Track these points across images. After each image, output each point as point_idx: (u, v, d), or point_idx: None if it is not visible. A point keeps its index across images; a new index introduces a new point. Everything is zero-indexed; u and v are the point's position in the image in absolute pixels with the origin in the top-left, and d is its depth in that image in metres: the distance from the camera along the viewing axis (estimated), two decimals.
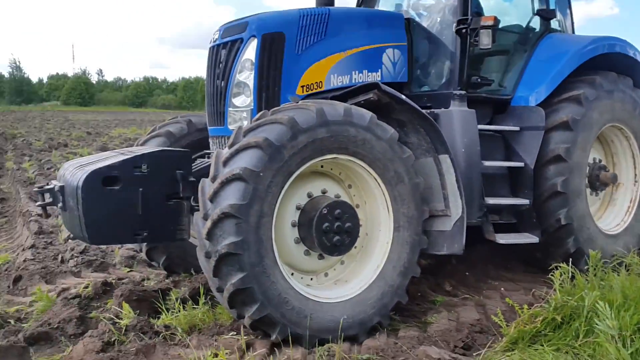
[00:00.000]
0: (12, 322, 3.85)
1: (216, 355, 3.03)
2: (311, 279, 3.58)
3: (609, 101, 4.68)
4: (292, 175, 3.14)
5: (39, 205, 3.61)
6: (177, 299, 3.87)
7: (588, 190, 4.74)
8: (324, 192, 3.50)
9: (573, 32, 5.43)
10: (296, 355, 3.07)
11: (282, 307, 3.09)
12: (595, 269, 3.62)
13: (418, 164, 3.65)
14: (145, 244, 4.49)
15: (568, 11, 5.40)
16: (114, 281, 4.47)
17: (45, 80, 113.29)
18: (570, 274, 3.51)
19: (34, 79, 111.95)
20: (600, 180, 4.83)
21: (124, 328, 3.49)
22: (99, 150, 16.45)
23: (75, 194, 3.16)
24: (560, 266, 3.50)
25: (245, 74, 3.80)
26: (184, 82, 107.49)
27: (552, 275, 3.49)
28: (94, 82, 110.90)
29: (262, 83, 3.79)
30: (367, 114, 3.35)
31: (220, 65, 4.00)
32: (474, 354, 3.21)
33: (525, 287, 4.52)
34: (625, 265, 4.09)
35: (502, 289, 4.28)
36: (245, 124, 3.70)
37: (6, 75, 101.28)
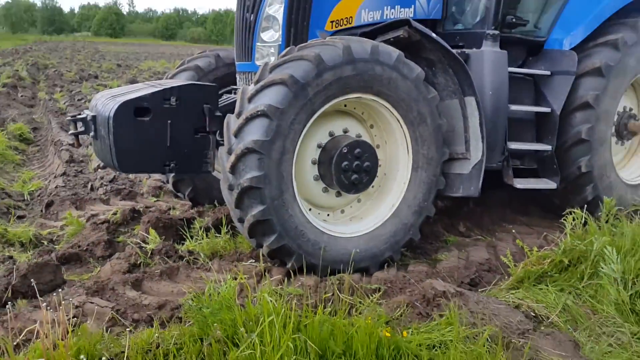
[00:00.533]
0: (45, 242, 4.14)
1: (235, 278, 3.23)
2: (328, 214, 3.70)
3: None
4: (315, 113, 3.18)
5: (71, 134, 3.75)
6: (200, 228, 4.08)
7: (614, 139, 4.65)
8: (345, 131, 3.54)
9: None
10: (309, 282, 3.25)
11: (298, 238, 3.24)
12: (607, 215, 3.64)
13: (443, 105, 3.64)
14: (172, 175, 4.67)
15: None
16: (141, 209, 4.69)
17: (76, 10, 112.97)
18: (583, 219, 3.55)
19: (66, 9, 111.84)
20: (628, 129, 4.71)
21: (150, 252, 3.73)
22: (129, 83, 16.66)
23: (106, 123, 3.28)
24: (574, 212, 3.54)
25: (275, 7, 3.74)
26: (214, 14, 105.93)
27: (564, 220, 3.54)
28: (125, 12, 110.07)
29: (291, 17, 3.73)
30: (395, 52, 3.32)
31: None
32: (479, 290, 3.34)
33: (539, 231, 4.58)
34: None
35: (514, 231, 4.34)
36: (273, 59, 3.72)
37: (39, 4, 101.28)
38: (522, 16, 4.34)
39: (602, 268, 2.98)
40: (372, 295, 3.10)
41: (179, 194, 4.97)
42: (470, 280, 3.55)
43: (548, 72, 4.33)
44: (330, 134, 3.48)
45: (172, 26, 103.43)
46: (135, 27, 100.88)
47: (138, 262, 3.60)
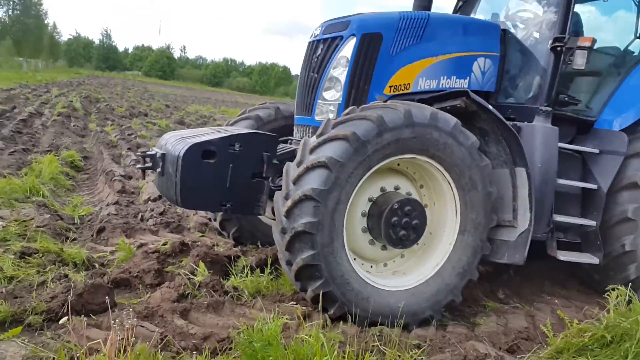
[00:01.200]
0: (97, 266, 4.34)
1: (278, 318, 3.32)
2: (371, 266, 3.81)
3: None
4: (371, 169, 3.36)
5: (139, 168, 4.03)
6: (246, 265, 4.23)
7: None
8: (396, 188, 3.71)
9: None
10: (350, 330, 3.32)
11: (343, 286, 3.35)
12: None
13: (494, 173, 3.78)
14: (220, 214, 4.88)
15: None
16: (190, 242, 4.89)
17: (130, 50, 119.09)
18: (627, 297, 3.55)
19: (121, 48, 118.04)
20: None
21: (198, 284, 3.88)
22: (177, 123, 17.37)
23: (175, 162, 3.54)
24: (618, 288, 3.55)
25: (340, 70, 4.01)
26: (260, 66, 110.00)
27: (608, 295, 3.55)
28: (176, 57, 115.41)
29: (354, 80, 3.99)
30: (452, 120, 3.51)
31: (317, 59, 4.22)
32: (518, 357, 3.34)
33: (577, 305, 4.56)
34: None
35: (556, 301, 4.33)
36: (332, 116, 3.97)
37: (97, 42, 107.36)
38: (574, 95, 4.52)
39: None
40: (412, 351, 3.14)
41: (223, 232, 5.18)
42: (509, 347, 3.56)
43: (597, 151, 4.45)
44: (382, 190, 3.65)
45: (220, 74, 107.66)
46: (184, 72, 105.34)
47: (186, 293, 3.75)
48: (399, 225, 3.49)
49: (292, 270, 3.37)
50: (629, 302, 3.56)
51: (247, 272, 4.08)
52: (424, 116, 3.40)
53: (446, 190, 3.67)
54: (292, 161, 3.54)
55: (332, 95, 4.08)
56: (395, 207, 3.48)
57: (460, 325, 3.79)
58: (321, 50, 4.20)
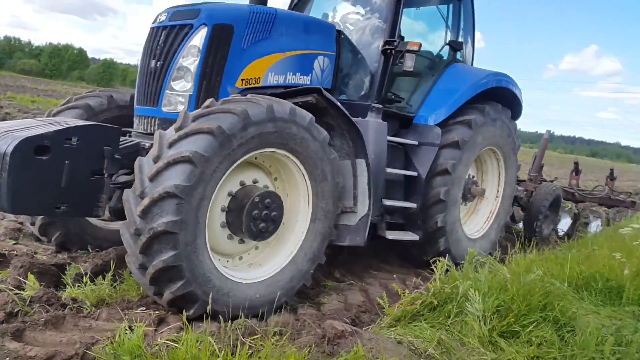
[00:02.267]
0: None
1: (130, 328, 3.13)
2: (227, 261, 3.81)
3: (492, 128, 5.57)
4: (234, 163, 3.34)
5: None
6: (82, 274, 3.85)
7: (460, 200, 5.57)
8: (255, 181, 3.75)
9: (472, 61, 6.28)
10: (211, 328, 3.29)
11: (205, 285, 3.28)
12: (470, 263, 4.31)
13: (339, 165, 4.05)
14: (40, 217, 4.35)
15: (470, 42, 6.18)
16: (6, 252, 4.25)
17: None
18: (445, 267, 4.16)
19: None
20: (471, 193, 5.69)
21: (29, 299, 3.41)
22: None
23: (1, 160, 3.04)
24: (439, 260, 4.14)
25: (190, 60, 3.88)
26: (52, 47, 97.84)
27: (434, 266, 4.12)
28: None
29: (206, 71, 3.90)
30: (308, 115, 3.68)
31: (162, 47, 4.01)
32: (364, 329, 3.70)
33: (400, 277, 5.19)
34: (482, 264, 4.91)
35: (395, 276, 4.83)
36: (182, 108, 3.81)
37: None
38: (398, 94, 5.10)
39: (467, 307, 3.56)
40: (274, 338, 3.25)
41: (42, 238, 4.61)
42: (351, 320, 3.91)
43: (416, 143, 5.11)
44: (241, 183, 3.66)
45: (1, 55, 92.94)
46: None
47: (15, 311, 3.26)
48: (260, 218, 3.56)
49: (147, 274, 3.16)
50: (447, 270, 4.17)
51: (86, 281, 3.73)
52: (284, 111, 3.50)
53: (300, 182, 3.84)
54: (136, 156, 3.33)
55: (182, 86, 3.93)
56: (257, 200, 3.52)
57: (309, 307, 4.03)
58: (167, 37, 4.01)
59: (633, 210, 9.37)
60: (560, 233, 8.44)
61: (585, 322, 3.71)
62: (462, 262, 4.56)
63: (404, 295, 3.91)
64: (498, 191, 6.07)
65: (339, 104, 3.99)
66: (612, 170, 10.31)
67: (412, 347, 3.31)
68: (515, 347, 3.32)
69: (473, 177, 5.85)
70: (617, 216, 9.63)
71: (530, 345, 3.30)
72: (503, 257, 5.40)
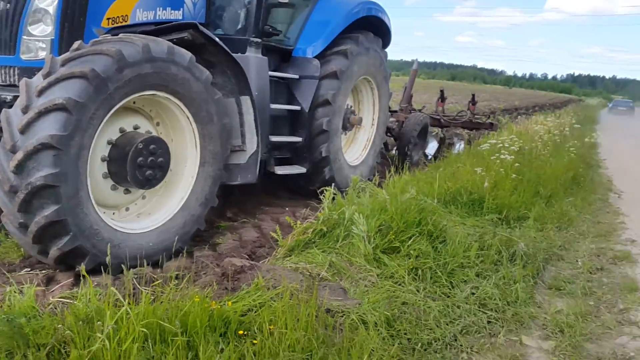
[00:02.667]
0: None
1: (21, 291, 2.98)
2: (113, 213, 3.67)
3: (366, 57, 5.76)
4: (112, 108, 3.16)
5: None
6: None
7: (341, 130, 5.81)
8: (136, 127, 3.58)
9: None
10: (106, 281, 3.24)
11: (93, 238, 3.18)
12: (354, 189, 4.61)
13: (222, 102, 3.97)
14: None
15: None
16: None
17: None
18: (332, 195, 4.42)
19: None
20: (350, 122, 5.96)
21: None
22: None
23: None
24: (326, 189, 4.38)
25: (47, 1, 3.49)
26: None
27: (322, 196, 4.35)
28: None
29: (67, 12, 3.55)
30: (187, 54, 3.52)
31: None
32: (261, 262, 3.88)
33: (290, 210, 5.41)
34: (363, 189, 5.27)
35: (287, 209, 4.99)
36: (44, 54, 3.47)
37: None
38: (275, 26, 5.04)
39: (353, 230, 3.86)
40: (172, 283, 3.29)
41: None
42: (249, 256, 4.06)
43: (297, 76, 5.17)
44: (121, 130, 3.48)
45: None
46: None
47: None
48: (145, 165, 3.44)
49: (29, 232, 2.99)
50: (334, 198, 4.43)
51: None
52: (162, 50, 3.33)
53: (185, 126, 3.75)
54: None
55: (41, 30, 3.55)
56: (140, 147, 3.39)
57: (204, 249, 4.10)
58: None
59: (491, 131, 10.44)
60: (429, 156, 9.23)
61: (454, 233, 4.22)
62: (346, 188, 4.87)
63: (295, 227, 4.11)
64: (373, 119, 6.41)
65: (217, 39, 3.88)
66: (473, 95, 11.29)
67: (308, 273, 3.56)
68: (396, 261, 3.71)
69: (351, 106, 6.10)
70: (477, 136, 10.72)
71: (410, 258, 3.70)
72: (381, 181, 5.83)
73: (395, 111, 8.83)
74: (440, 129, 10.10)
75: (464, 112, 10.92)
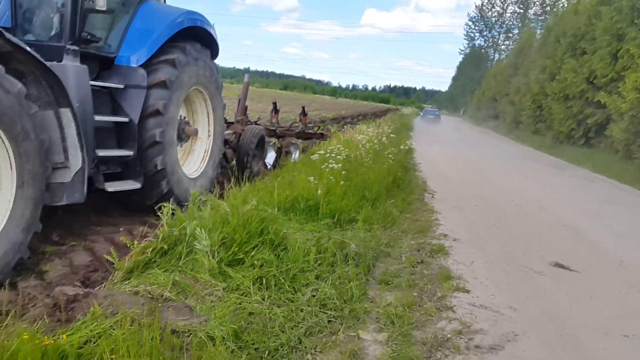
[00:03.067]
0: None
1: None
2: None
3: (195, 67, 5.67)
4: None
5: None
6: None
7: (177, 141, 5.67)
8: None
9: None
10: None
11: None
12: (194, 203, 4.52)
13: (41, 117, 3.63)
14: None
15: None
16: None
17: None
18: (171, 210, 4.30)
19: None
20: (185, 133, 5.85)
21: None
22: None
23: None
24: (165, 205, 4.25)
25: None
26: None
27: (160, 212, 4.21)
28: None
29: None
30: None
31: None
32: (96, 288, 3.63)
33: (126, 229, 5.13)
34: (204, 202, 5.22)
35: (121, 229, 4.70)
36: None
37: None
38: (94, 33, 4.72)
39: (196, 245, 3.82)
40: None
41: None
42: (82, 283, 3.77)
43: (122, 86, 4.89)
44: None
45: None
46: None
47: None
48: None
49: None
50: (173, 214, 4.32)
51: None
52: None
53: None
54: None
55: None
56: None
57: (29, 279, 3.69)
58: None
59: (322, 140, 11.16)
60: (269, 165, 9.50)
61: (294, 239, 4.41)
62: (186, 202, 4.77)
63: (133, 247, 3.93)
64: (209, 130, 6.37)
65: (26, 47, 3.52)
66: (303, 108, 11.99)
67: (149, 295, 3.43)
68: (241, 272, 3.76)
69: (185, 117, 5.98)
70: (310, 144, 11.32)
71: (254, 269, 3.78)
72: (222, 192, 5.84)
73: (232, 123, 8.93)
74: (277, 139, 10.52)
75: (296, 123, 11.56)
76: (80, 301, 3.05)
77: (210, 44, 6.23)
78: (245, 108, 9.81)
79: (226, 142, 7.89)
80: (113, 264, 3.82)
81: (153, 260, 3.87)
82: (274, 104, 11.59)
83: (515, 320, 3.98)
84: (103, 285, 3.66)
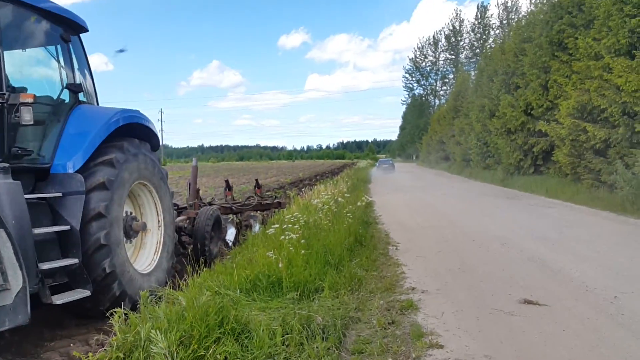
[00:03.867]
0: None
1: None
2: None
3: (135, 163, 5.62)
4: None
5: None
6: None
7: (124, 239, 5.51)
8: None
9: (97, 98, 6.12)
10: None
11: None
12: (145, 305, 4.33)
13: None
14: None
15: (89, 79, 6.01)
16: None
17: None
18: (124, 315, 4.11)
19: None
20: (133, 229, 5.70)
21: None
22: None
23: None
24: (115, 311, 4.05)
25: None
26: None
27: (111, 320, 4.00)
28: None
29: None
30: None
31: None
32: None
33: (81, 339, 4.85)
34: (160, 297, 5.03)
35: (71, 345, 4.42)
36: None
37: None
38: (25, 146, 4.66)
39: (153, 349, 3.62)
40: None
41: None
42: None
43: (60, 194, 4.78)
44: None
45: None
46: None
47: None
48: None
49: None
50: (127, 317, 4.12)
51: None
52: None
53: None
54: None
55: None
56: None
57: None
58: None
59: (281, 208, 11.17)
60: (229, 243, 9.34)
61: (258, 322, 4.24)
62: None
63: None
64: (159, 221, 6.25)
65: None
66: (256, 180, 12.33)
67: None
68: None
69: (131, 213, 5.87)
70: (270, 214, 11.28)
71: None
72: (180, 281, 5.65)
73: (185, 208, 8.82)
74: (234, 215, 10.44)
75: (252, 197, 11.55)
76: None
77: (149, 137, 6.25)
78: (197, 191, 9.76)
79: (180, 229, 7.77)
80: None
81: None
82: (226, 181, 11.71)
83: None
84: None
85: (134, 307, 4.68)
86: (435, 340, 4.50)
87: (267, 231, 7.96)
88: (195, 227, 8.02)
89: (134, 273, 5.43)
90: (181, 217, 8.23)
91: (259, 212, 11.16)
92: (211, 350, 3.71)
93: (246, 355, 3.78)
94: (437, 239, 9.96)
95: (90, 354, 3.78)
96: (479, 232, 10.53)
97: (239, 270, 5.71)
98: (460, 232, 10.67)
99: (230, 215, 10.39)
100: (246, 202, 10.97)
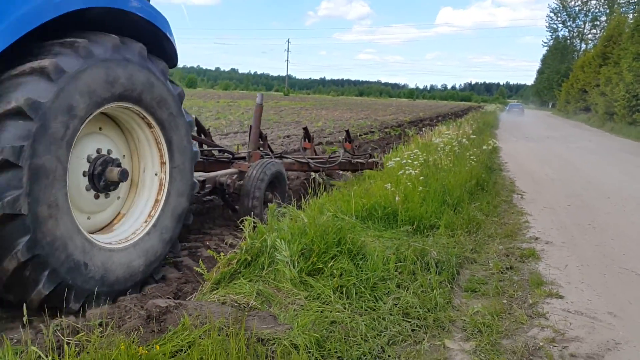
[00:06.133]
0: None
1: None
2: None
3: (102, 72, 3.34)
4: None
5: None
6: None
7: (91, 193, 3.73)
8: None
9: None
10: (25, 337, 3.05)
11: None
12: (272, 218, 4.64)
13: None
14: None
15: None
16: None
17: None
18: (253, 224, 4.43)
19: None
20: (106, 179, 3.74)
21: None
22: None
23: None
24: (246, 219, 4.39)
25: None
26: None
27: (242, 226, 4.37)
28: None
29: None
30: None
31: None
32: (187, 299, 3.83)
33: (214, 240, 5.36)
34: (283, 213, 5.33)
35: None
36: None
37: None
38: None
39: (277, 256, 3.92)
40: (97, 331, 3.16)
41: None
42: (174, 295, 3.99)
43: None
44: None
45: None
46: None
47: None
48: None
49: None
50: (255, 227, 4.45)
51: None
52: None
53: None
54: None
55: None
56: None
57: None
58: None
59: (376, 169, 8.40)
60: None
61: (373, 248, 4.39)
62: (107, 296, 3.65)
63: (219, 259, 4.10)
64: (163, 169, 4.21)
65: None
66: (347, 131, 9.45)
67: (236, 304, 3.56)
68: (322, 282, 3.80)
69: (109, 152, 3.83)
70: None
71: (334, 278, 3.82)
72: (300, 203, 5.95)
73: (242, 158, 6.84)
74: (316, 174, 8.45)
75: (337, 154, 8.95)
76: (171, 312, 3.23)
77: (160, 44, 4.05)
78: (263, 137, 7.44)
79: (218, 187, 6.02)
80: (202, 275, 4.00)
81: (238, 271, 4.02)
82: (305, 129, 8.79)
83: (616, 328, 3.70)
84: (193, 296, 3.85)
85: (91, 303, 3.48)
86: (555, 290, 4.34)
87: (387, 163, 7.98)
88: (244, 186, 5.83)
89: (92, 252, 3.49)
90: (227, 171, 6.16)
91: (349, 172, 8.69)
92: (329, 265, 3.93)
93: (360, 274, 3.95)
94: (568, 193, 9.32)
95: (221, 253, 4.20)
96: (615, 190, 9.67)
97: (356, 198, 5.84)
98: (593, 189, 9.88)
99: (313, 174, 8.39)
100: (330, 158, 8.28)
